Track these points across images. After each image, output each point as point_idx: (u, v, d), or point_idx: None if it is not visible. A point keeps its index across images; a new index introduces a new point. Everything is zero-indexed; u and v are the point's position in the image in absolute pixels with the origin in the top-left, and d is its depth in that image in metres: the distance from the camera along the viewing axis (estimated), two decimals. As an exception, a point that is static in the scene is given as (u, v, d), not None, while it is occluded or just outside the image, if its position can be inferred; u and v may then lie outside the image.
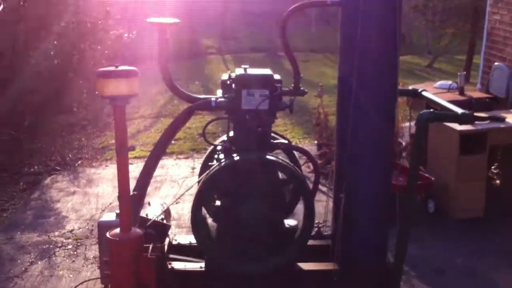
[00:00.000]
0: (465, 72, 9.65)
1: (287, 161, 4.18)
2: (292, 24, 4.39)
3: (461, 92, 7.21)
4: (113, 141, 8.40)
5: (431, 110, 4.23)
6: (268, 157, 3.96)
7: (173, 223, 5.86)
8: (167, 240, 4.31)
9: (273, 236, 4.00)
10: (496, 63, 7.80)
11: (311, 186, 4.36)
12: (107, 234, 3.55)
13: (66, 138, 9.45)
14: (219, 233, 4.08)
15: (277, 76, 4.11)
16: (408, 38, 19.94)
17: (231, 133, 4.15)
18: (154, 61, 4.35)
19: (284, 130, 9.53)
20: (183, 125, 4.46)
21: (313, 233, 4.24)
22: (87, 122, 10.30)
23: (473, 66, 13.35)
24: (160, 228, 4.10)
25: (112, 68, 3.45)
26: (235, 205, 3.98)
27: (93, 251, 5.58)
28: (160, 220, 4.19)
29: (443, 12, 16.72)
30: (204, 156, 4.84)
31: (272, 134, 4.32)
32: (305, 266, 4.12)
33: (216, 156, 4.30)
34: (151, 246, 3.62)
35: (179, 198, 6.21)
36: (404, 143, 7.46)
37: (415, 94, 4.85)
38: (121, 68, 3.46)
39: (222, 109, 4.15)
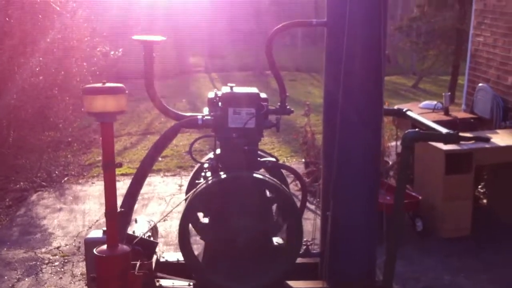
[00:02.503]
0: (449, 93, 9.75)
1: (274, 179, 4.19)
2: (278, 43, 4.44)
3: (446, 112, 7.29)
4: (100, 158, 8.38)
5: (417, 129, 4.28)
6: (255, 175, 3.97)
7: (160, 240, 5.84)
8: (154, 257, 4.30)
9: (262, 254, 4.00)
10: (480, 84, 7.90)
11: (299, 204, 4.37)
12: (94, 251, 3.54)
13: (52, 154, 9.40)
14: (206, 250, 4.08)
15: (263, 95, 4.13)
16: (394, 59, 20.12)
17: (218, 151, 4.16)
18: (140, 79, 4.36)
19: (272, 148, 9.57)
20: (169, 143, 4.46)
21: (301, 251, 4.24)
22: (73, 139, 10.27)
23: (458, 87, 13.49)
24: (147, 245, 4.09)
25: (99, 85, 3.45)
26: (222, 222, 3.98)
27: (80, 268, 5.55)
28: (147, 237, 4.18)
29: (426, 34, 16.92)
30: (191, 173, 4.84)
31: (260, 152, 4.33)
32: (294, 284, 4.12)
33: (203, 174, 4.30)
34: (138, 263, 3.61)
35: (166, 215, 6.19)
36: (390, 162, 7.51)
37: (401, 114, 4.91)
38: (108, 85, 3.46)
39: (209, 127, 4.16)
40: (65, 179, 8.34)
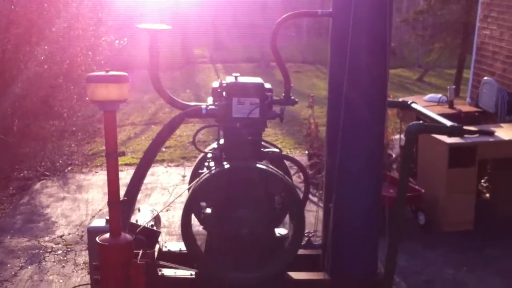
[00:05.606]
0: (454, 86, 9.71)
1: (278, 170, 4.18)
2: (284, 35, 4.41)
3: (451, 106, 7.27)
4: (103, 148, 8.38)
5: (421, 122, 4.26)
6: (258, 165, 3.97)
7: (163, 230, 5.85)
8: (157, 246, 4.30)
9: (264, 245, 4.00)
10: (485, 78, 7.86)
11: (301, 195, 4.37)
12: (97, 239, 3.54)
13: (56, 143, 9.43)
14: (209, 241, 4.08)
15: (268, 85, 4.12)
16: (399, 52, 20.07)
17: (222, 141, 4.16)
18: (145, 69, 4.36)
19: (275, 139, 9.56)
20: (173, 132, 4.46)
21: (303, 242, 4.24)
22: (77, 128, 10.29)
23: (463, 80, 13.47)
24: (150, 234, 4.09)
25: (102, 73, 3.45)
26: (225, 213, 3.98)
27: (83, 256, 5.56)
28: (150, 227, 4.19)
29: (433, 27, 16.86)
30: (195, 163, 4.84)
31: (264, 143, 4.32)
32: (296, 275, 4.12)
33: (206, 163, 4.30)
34: (140, 252, 3.61)
35: (169, 205, 6.20)
36: (394, 155, 7.50)
37: (405, 106, 4.89)
38: (111, 73, 3.46)
39: (213, 116, 4.15)
40: (69, 168, 8.36)
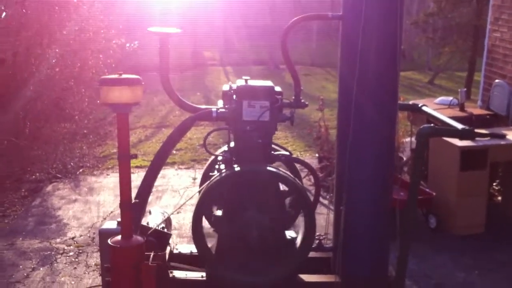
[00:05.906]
0: (465, 89, 9.67)
1: (288, 172, 4.19)
2: (293, 38, 4.41)
3: (462, 109, 7.24)
4: (115, 150, 8.43)
5: (432, 125, 4.25)
6: (268, 168, 3.98)
7: (174, 232, 5.87)
8: (168, 248, 4.32)
9: (274, 248, 4.01)
10: (496, 81, 7.84)
11: (312, 198, 4.37)
12: (109, 241, 3.56)
13: (67, 146, 9.48)
14: (220, 243, 4.09)
15: (278, 88, 4.13)
16: (409, 55, 20.03)
17: (232, 144, 4.17)
18: (155, 71, 4.37)
19: (285, 142, 9.57)
20: (184, 135, 4.48)
21: (314, 245, 4.24)
22: (88, 131, 10.34)
23: (474, 83, 13.42)
24: (161, 237, 4.11)
25: (115, 76, 3.48)
26: (236, 215, 3.99)
27: (95, 258, 5.59)
28: (161, 229, 4.20)
29: (443, 29, 16.79)
30: (205, 166, 4.86)
31: (274, 146, 4.33)
32: (307, 278, 4.13)
33: (217, 166, 4.31)
34: (152, 254, 3.63)
35: (180, 207, 6.22)
36: (405, 158, 7.49)
37: (416, 108, 4.88)
38: (124, 76, 3.48)
39: (223, 119, 4.17)
40: (80, 170, 8.40)
